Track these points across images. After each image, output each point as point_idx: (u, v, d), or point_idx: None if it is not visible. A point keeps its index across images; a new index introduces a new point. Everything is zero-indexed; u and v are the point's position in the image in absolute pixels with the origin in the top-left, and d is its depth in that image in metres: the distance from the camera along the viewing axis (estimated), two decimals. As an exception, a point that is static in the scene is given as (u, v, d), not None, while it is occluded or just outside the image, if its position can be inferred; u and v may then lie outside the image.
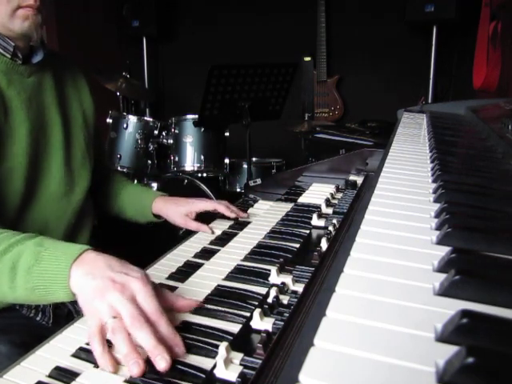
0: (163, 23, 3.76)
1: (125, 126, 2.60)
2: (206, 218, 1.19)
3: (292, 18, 3.50)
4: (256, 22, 3.60)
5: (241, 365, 0.56)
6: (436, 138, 1.05)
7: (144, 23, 3.66)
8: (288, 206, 1.23)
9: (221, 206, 1.16)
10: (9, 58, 0.97)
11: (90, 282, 0.66)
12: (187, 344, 0.62)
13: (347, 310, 0.37)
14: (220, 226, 1.14)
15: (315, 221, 1.07)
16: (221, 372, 0.55)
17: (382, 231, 0.53)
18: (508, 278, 0.41)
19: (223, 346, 0.57)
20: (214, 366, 0.56)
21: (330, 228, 0.96)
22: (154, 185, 2.53)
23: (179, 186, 2.36)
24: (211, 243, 1.04)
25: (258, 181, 1.38)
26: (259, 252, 0.93)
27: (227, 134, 2.60)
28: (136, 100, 3.47)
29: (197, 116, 2.26)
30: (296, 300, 0.66)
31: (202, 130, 2.49)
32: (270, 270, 0.81)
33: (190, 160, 2.54)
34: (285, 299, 0.71)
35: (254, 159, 2.82)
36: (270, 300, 0.70)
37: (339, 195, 1.25)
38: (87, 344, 0.65)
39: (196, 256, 0.97)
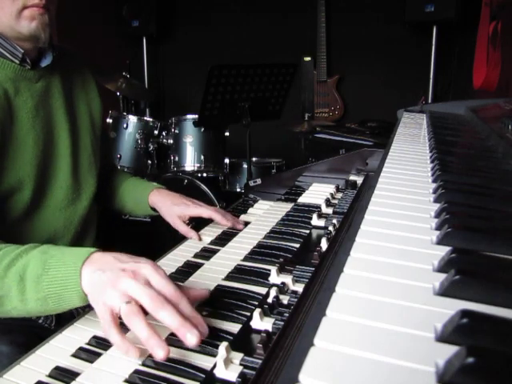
0: (163, 23, 3.76)
1: (125, 126, 2.60)
2: (202, 220, 1.16)
3: (292, 18, 3.50)
4: (256, 22, 3.60)
5: (241, 365, 0.56)
6: (436, 138, 1.05)
7: (144, 23, 3.66)
8: (288, 206, 1.23)
9: (217, 215, 1.11)
10: (17, 63, 0.95)
11: (100, 277, 0.65)
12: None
13: (347, 309, 0.37)
14: (217, 230, 1.13)
15: (315, 221, 1.07)
16: (221, 372, 0.55)
17: (382, 231, 0.53)
18: (508, 278, 0.41)
19: (223, 346, 0.57)
20: (214, 366, 0.56)
21: (330, 228, 0.96)
22: (154, 184, 2.53)
23: (179, 186, 2.36)
24: (211, 243, 1.04)
25: (258, 181, 1.38)
26: (259, 252, 0.93)
27: (227, 134, 2.61)
28: (136, 100, 3.47)
29: (197, 116, 2.26)
30: (296, 300, 0.66)
31: (202, 130, 2.50)
32: (270, 270, 0.81)
33: (190, 160, 2.54)
34: (285, 299, 0.71)
35: (254, 159, 2.82)
36: (269, 300, 0.70)
37: (339, 195, 1.25)
38: (87, 344, 0.65)
39: (196, 256, 0.97)
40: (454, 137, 1.15)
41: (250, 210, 1.25)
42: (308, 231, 1.04)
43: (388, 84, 3.30)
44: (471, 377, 0.27)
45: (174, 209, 1.15)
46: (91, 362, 0.61)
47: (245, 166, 2.68)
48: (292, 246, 0.95)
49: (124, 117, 2.62)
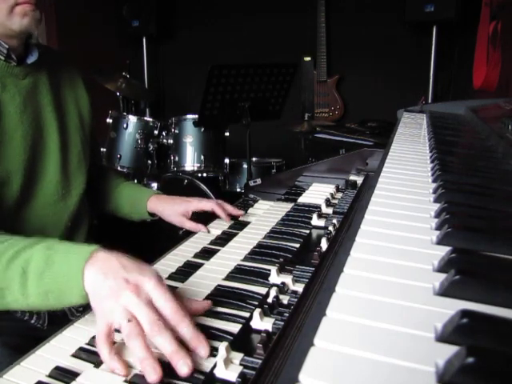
0: (163, 23, 3.76)
1: (125, 125, 2.60)
2: (204, 217, 1.18)
3: (292, 18, 3.49)
4: (256, 22, 3.60)
5: (241, 365, 0.56)
6: (436, 138, 1.05)
7: (144, 23, 3.66)
8: (288, 206, 1.23)
9: (218, 209, 1.14)
10: (2, 60, 0.95)
11: (103, 282, 0.64)
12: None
13: (347, 309, 0.37)
14: (220, 226, 1.14)
15: (315, 221, 1.07)
16: (221, 372, 0.55)
17: (382, 231, 0.53)
18: (508, 278, 0.41)
19: (223, 346, 0.57)
20: (214, 366, 0.56)
21: (330, 228, 0.96)
22: (154, 185, 2.53)
23: (179, 185, 2.36)
24: (211, 243, 1.04)
25: (258, 181, 1.38)
26: (259, 252, 0.93)
27: (227, 134, 2.61)
28: (136, 100, 3.47)
29: (197, 116, 2.26)
30: (296, 300, 0.66)
31: (202, 130, 2.49)
32: (270, 270, 0.81)
33: (190, 160, 2.54)
34: (285, 299, 0.71)
35: (254, 159, 2.82)
36: (269, 300, 0.70)
37: (339, 195, 1.25)
38: (87, 344, 0.65)
39: (196, 256, 0.97)
40: (454, 137, 1.15)
41: (250, 210, 1.25)
42: (308, 231, 1.04)
43: (388, 84, 3.30)
44: (471, 377, 0.27)
45: (176, 208, 1.18)
46: (91, 362, 0.61)
47: (245, 166, 2.68)
48: (292, 246, 0.95)
49: (124, 117, 2.62)
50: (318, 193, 1.31)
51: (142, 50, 3.86)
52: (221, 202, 1.19)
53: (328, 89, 3.47)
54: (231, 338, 0.63)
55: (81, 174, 1.14)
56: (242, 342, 0.62)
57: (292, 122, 2.73)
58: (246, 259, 0.91)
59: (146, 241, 2.33)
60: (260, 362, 0.53)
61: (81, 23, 3.42)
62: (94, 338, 0.67)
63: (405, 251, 0.48)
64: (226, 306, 0.72)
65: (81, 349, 0.64)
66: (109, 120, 2.61)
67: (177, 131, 2.55)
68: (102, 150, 2.55)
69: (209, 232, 1.11)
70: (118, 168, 2.60)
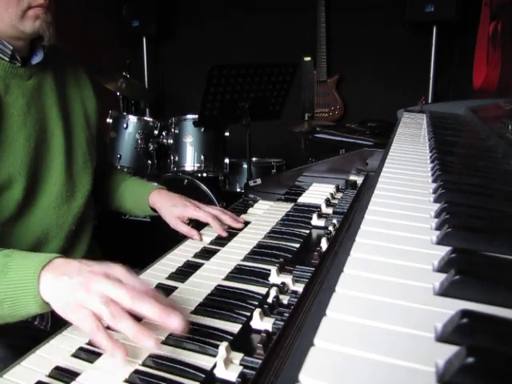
0: (163, 23, 3.76)
1: (125, 125, 2.60)
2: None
3: (292, 17, 3.49)
4: (256, 22, 3.60)
5: (241, 365, 0.56)
6: (436, 138, 1.05)
7: (144, 23, 3.66)
8: (288, 206, 1.23)
9: (214, 222, 1.08)
10: (7, 61, 0.95)
11: (68, 282, 0.64)
12: (187, 344, 0.62)
13: (347, 309, 0.37)
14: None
15: (315, 221, 1.07)
16: (221, 372, 0.55)
17: (382, 231, 0.53)
18: (508, 278, 0.41)
19: (223, 346, 0.57)
20: (214, 366, 0.56)
21: (330, 228, 0.96)
22: (154, 185, 2.53)
23: (179, 186, 2.36)
24: (211, 243, 1.04)
25: (258, 181, 1.38)
26: (259, 252, 0.93)
27: (227, 134, 2.61)
28: (136, 100, 3.47)
29: (197, 116, 2.26)
30: (296, 300, 0.66)
31: (202, 129, 2.49)
32: (270, 270, 0.81)
33: (190, 160, 2.54)
34: (285, 299, 0.71)
35: (254, 159, 2.82)
36: (269, 300, 0.70)
37: (339, 195, 1.25)
38: (87, 344, 0.65)
39: (196, 256, 0.97)
40: (454, 137, 1.15)
41: (250, 210, 1.25)
42: (308, 231, 1.04)
43: (388, 84, 3.30)
44: (471, 377, 0.27)
45: (172, 210, 1.15)
46: (91, 362, 0.61)
47: (245, 166, 2.69)
48: (292, 246, 0.95)
49: (124, 117, 2.62)
50: (317, 193, 1.31)
51: (142, 50, 3.86)
52: (220, 212, 1.13)
53: (328, 89, 3.47)
54: (231, 338, 0.63)
55: (86, 176, 1.12)
56: (241, 342, 0.62)
57: (292, 122, 2.73)
58: (245, 259, 0.91)
59: (146, 241, 2.34)
60: (260, 362, 0.53)
61: (81, 23, 3.42)
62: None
63: (405, 251, 0.48)
64: (226, 306, 0.72)
65: (81, 349, 0.64)
66: (109, 120, 2.61)
67: (177, 131, 2.55)
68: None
69: (201, 240, 1.06)
70: (118, 168, 2.60)
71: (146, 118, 2.75)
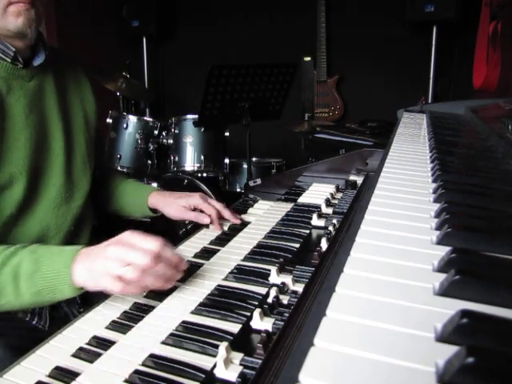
0: (163, 23, 3.76)
1: (125, 125, 2.60)
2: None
3: (292, 17, 3.49)
4: (256, 22, 3.60)
5: (241, 365, 0.56)
6: (436, 138, 1.05)
7: (144, 23, 3.65)
8: (288, 206, 1.23)
9: (215, 217, 1.13)
10: (9, 62, 0.95)
11: (90, 258, 0.75)
12: (187, 344, 0.62)
13: (347, 309, 0.37)
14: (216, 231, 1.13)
15: (315, 221, 1.07)
16: (221, 372, 0.55)
17: (382, 231, 0.53)
18: (508, 278, 0.41)
19: (223, 346, 0.57)
20: (214, 366, 0.56)
21: (330, 228, 0.96)
22: (154, 185, 2.52)
23: (179, 185, 2.36)
24: (211, 243, 1.04)
25: (258, 181, 1.38)
26: (259, 252, 0.93)
27: (227, 134, 2.61)
28: (136, 100, 3.47)
29: (197, 116, 2.26)
30: (296, 300, 0.66)
31: (202, 129, 2.49)
32: (270, 270, 0.81)
33: (190, 160, 2.54)
34: (285, 299, 0.71)
35: (254, 159, 2.82)
36: (269, 300, 0.70)
37: (339, 195, 1.25)
38: (87, 344, 0.65)
39: (196, 256, 0.97)
40: (454, 137, 1.15)
41: (250, 210, 1.25)
42: (308, 231, 1.04)
43: (388, 84, 3.30)
44: (471, 377, 0.27)
45: (178, 201, 1.18)
46: (91, 362, 0.61)
47: (245, 166, 2.68)
48: (292, 246, 0.95)
49: (124, 117, 2.62)
50: (317, 193, 1.31)
51: (142, 50, 3.86)
52: (221, 206, 1.17)
53: (328, 89, 3.47)
54: (231, 338, 0.63)
55: (85, 177, 1.13)
56: (241, 342, 0.62)
57: (292, 122, 2.73)
58: (246, 259, 0.91)
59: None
60: (260, 362, 0.53)
61: (81, 23, 3.42)
62: (94, 337, 0.67)
63: (405, 251, 0.48)
64: (226, 305, 0.72)
65: (81, 349, 0.64)
66: (109, 120, 2.60)
67: (177, 131, 2.55)
68: (102, 150, 2.55)
69: (211, 223, 1.12)
70: (118, 168, 2.60)
71: (145, 118, 2.75)
